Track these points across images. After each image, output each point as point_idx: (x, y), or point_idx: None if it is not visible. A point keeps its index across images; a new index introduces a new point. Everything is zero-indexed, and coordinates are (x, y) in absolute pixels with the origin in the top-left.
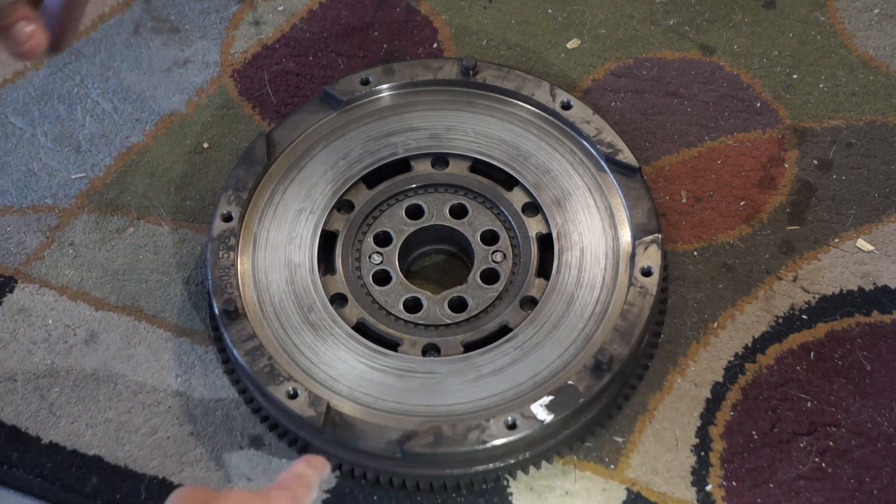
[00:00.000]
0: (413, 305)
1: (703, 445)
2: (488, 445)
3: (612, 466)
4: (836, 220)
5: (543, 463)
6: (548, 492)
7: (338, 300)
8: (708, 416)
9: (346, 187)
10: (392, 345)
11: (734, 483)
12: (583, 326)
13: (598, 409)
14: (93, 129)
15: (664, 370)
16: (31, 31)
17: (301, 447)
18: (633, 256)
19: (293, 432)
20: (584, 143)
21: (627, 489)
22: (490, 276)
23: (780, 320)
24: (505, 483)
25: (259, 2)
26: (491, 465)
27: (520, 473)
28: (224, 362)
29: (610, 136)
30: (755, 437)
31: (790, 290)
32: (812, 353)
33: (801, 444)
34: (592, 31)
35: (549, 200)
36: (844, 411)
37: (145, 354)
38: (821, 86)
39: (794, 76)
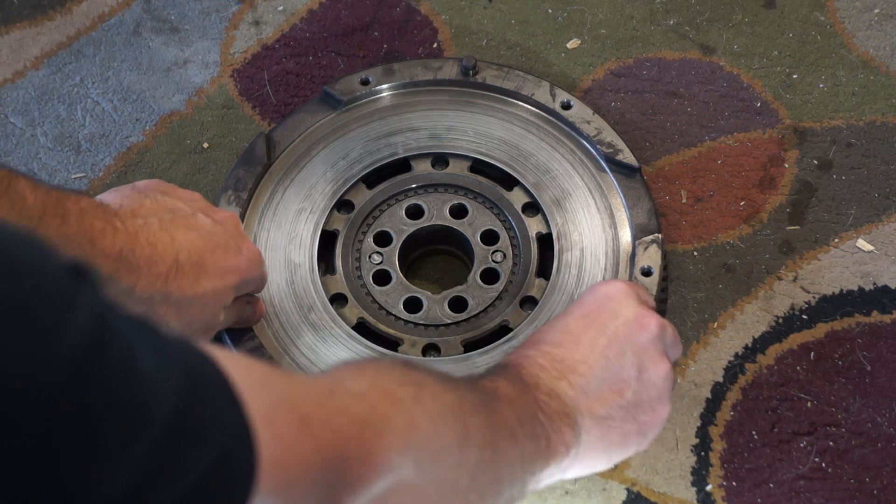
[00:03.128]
0: (413, 305)
1: (703, 445)
2: None
3: (613, 466)
4: (836, 220)
5: None
6: (548, 492)
7: (338, 300)
8: (708, 416)
9: (346, 187)
10: (392, 345)
11: (734, 483)
12: None
13: None
14: (93, 129)
15: None
16: (253, 309)
17: None
18: (633, 256)
19: None
20: (584, 143)
21: (627, 489)
22: (490, 276)
23: (780, 320)
24: None
25: (259, 2)
26: None
27: None
28: None
29: (610, 136)
30: (755, 437)
31: (790, 290)
32: (812, 353)
33: (801, 444)
34: (592, 31)
35: (549, 200)
36: (844, 411)
37: None
38: (821, 86)
39: (794, 76)
